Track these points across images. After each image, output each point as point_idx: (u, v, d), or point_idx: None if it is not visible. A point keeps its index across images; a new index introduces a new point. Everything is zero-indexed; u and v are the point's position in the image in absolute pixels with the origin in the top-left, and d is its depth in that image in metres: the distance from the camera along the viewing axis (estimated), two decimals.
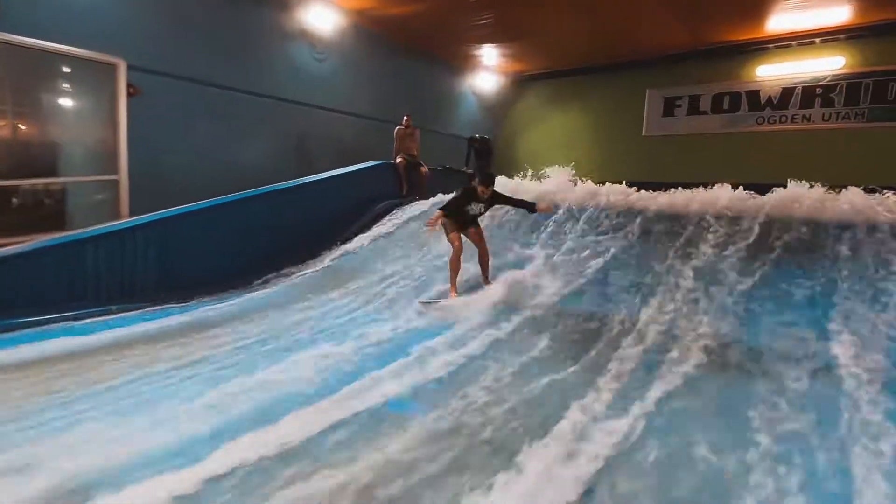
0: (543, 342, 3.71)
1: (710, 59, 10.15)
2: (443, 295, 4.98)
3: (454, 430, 2.64)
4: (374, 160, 8.46)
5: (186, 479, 2.22)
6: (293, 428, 2.64)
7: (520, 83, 13.00)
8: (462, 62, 11.85)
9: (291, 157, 8.58)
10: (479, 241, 5.13)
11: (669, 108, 10.92)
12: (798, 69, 9.34)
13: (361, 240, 7.07)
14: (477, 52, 11.21)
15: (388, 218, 7.53)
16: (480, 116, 12.73)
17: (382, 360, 3.58)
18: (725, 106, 10.23)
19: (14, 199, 6.75)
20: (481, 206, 5.07)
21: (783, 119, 9.61)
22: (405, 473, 2.27)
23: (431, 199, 7.54)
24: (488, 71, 12.34)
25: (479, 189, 4.92)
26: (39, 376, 3.39)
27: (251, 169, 7.77)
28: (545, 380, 3.12)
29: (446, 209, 4.99)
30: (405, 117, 8.72)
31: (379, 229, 7.26)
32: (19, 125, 8.30)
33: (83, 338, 4.20)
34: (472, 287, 5.01)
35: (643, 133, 11.23)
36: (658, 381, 2.98)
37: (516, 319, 4.12)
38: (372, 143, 9.37)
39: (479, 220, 5.20)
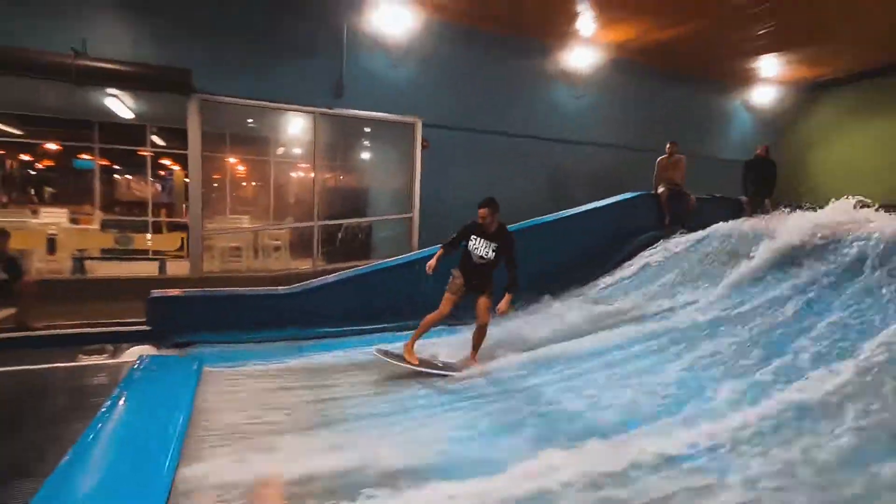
0: None
1: None
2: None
3: None
4: (633, 191, 8.14)
5: None
6: None
7: (809, 92, 10.88)
8: (733, 77, 10.59)
9: (547, 191, 8.96)
10: (480, 313, 4.29)
11: None
12: None
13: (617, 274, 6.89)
14: (752, 65, 9.88)
15: (649, 251, 7.13)
16: (756, 135, 11.08)
17: None
18: None
19: (339, 234, 8.77)
20: (489, 247, 4.22)
21: None
22: None
23: (699, 233, 6.84)
24: (767, 83, 10.72)
25: (480, 214, 4.17)
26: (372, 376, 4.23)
27: (511, 204, 8.36)
28: None
29: (461, 265, 4.35)
30: (668, 145, 8.18)
31: (639, 262, 6.95)
32: (345, 177, 10.80)
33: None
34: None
35: None
36: None
37: None
38: (632, 173, 9.09)
39: (488, 277, 4.29)
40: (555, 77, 9.02)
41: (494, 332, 4.73)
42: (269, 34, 6.96)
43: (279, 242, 8.40)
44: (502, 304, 4.23)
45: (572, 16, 7.95)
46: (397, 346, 4.41)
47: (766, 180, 8.15)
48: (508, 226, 6.81)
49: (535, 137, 8.87)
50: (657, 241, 7.28)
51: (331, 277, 5.96)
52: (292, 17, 7.01)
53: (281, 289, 5.62)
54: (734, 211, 8.29)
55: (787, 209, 5.82)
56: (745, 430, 2.72)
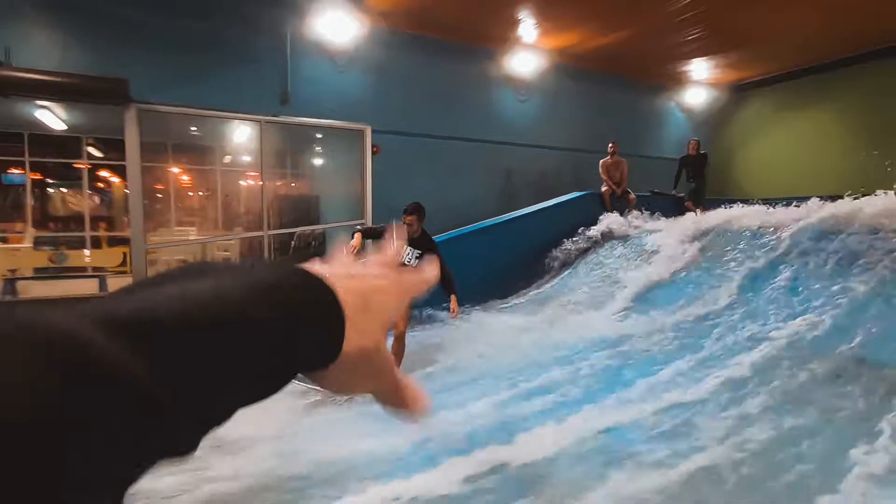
0: None
1: None
2: None
3: None
4: (581, 191, 8.47)
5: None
6: None
7: (738, 93, 11.62)
8: (668, 80, 11.18)
9: (497, 193, 9.17)
10: (402, 324, 4.19)
11: None
12: None
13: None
14: (685, 68, 10.46)
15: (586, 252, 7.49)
16: (690, 135, 11.72)
17: None
18: None
19: (293, 243, 8.65)
20: (413, 254, 4.09)
21: None
22: None
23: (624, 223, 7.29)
24: (699, 85, 11.37)
25: (407, 221, 4.04)
26: None
27: (463, 207, 8.54)
28: None
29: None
30: (610, 145, 8.57)
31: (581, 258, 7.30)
32: (295, 185, 10.65)
33: None
34: None
35: None
36: None
37: None
38: (578, 174, 9.46)
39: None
40: (501, 81, 9.25)
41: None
42: (211, 41, 6.81)
43: (229, 253, 8.20)
44: (453, 308, 4.27)
45: (514, 23, 8.20)
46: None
47: (699, 173, 8.71)
48: (459, 229, 6.96)
49: (484, 141, 9.07)
50: (597, 240, 7.63)
51: None
52: (234, 24, 6.88)
53: None
54: (675, 205, 8.78)
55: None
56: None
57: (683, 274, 5.37)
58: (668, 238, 6.23)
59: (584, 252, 7.50)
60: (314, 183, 10.20)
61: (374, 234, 4.29)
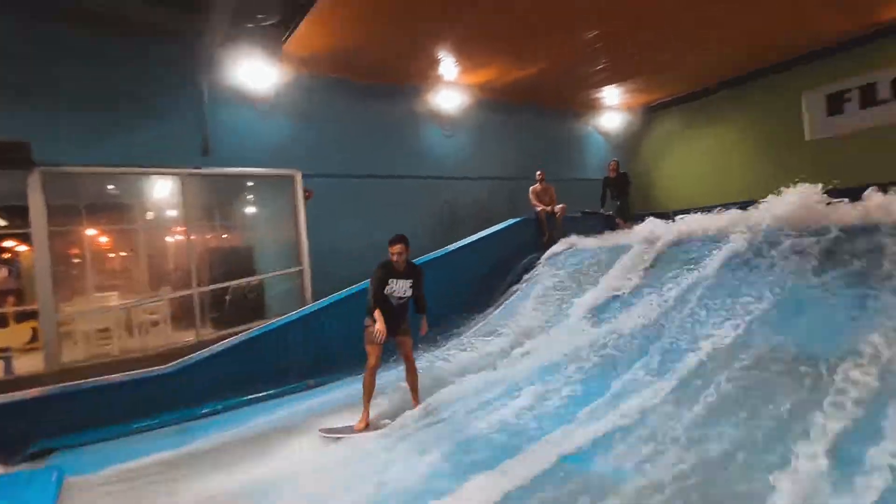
0: None
1: (877, 43, 8.79)
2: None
3: None
4: (515, 217, 8.69)
5: None
6: None
7: (648, 115, 12.53)
8: (585, 107, 11.88)
9: (436, 227, 9.23)
10: (408, 353, 4.33)
11: (836, 104, 9.55)
12: None
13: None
14: (599, 95, 11.18)
15: (528, 275, 7.64)
16: (611, 156, 12.44)
17: None
18: None
19: (226, 298, 8.24)
20: (406, 285, 4.26)
21: None
22: None
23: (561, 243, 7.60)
24: (613, 109, 12.16)
25: (393, 259, 4.18)
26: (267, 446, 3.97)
27: None
28: None
29: (371, 312, 4.15)
30: (538, 174, 8.92)
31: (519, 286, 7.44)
32: (224, 236, 10.23)
33: (292, 408, 4.87)
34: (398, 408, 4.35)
35: (807, 138, 9.93)
36: None
37: None
38: (513, 201, 9.73)
39: (405, 315, 4.31)
40: (427, 118, 9.46)
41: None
42: (124, 94, 6.51)
43: (156, 316, 7.67)
44: (423, 327, 4.41)
45: (435, 62, 8.47)
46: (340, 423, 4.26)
47: (623, 191, 9.23)
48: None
49: (416, 177, 9.18)
50: (536, 262, 7.81)
51: (216, 347, 5.56)
52: (145, 76, 6.63)
53: (156, 369, 5.12)
54: (605, 223, 9.19)
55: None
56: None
57: (625, 291, 5.47)
58: (604, 255, 6.49)
59: (525, 276, 7.62)
60: (246, 233, 9.85)
61: (381, 293, 4.27)
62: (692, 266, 4.95)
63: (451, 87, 9.36)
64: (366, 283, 6.67)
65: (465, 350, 6.01)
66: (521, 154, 10.67)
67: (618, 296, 5.38)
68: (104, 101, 6.40)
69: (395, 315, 4.25)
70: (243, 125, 7.45)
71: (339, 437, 4.01)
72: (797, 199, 4.56)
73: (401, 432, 3.94)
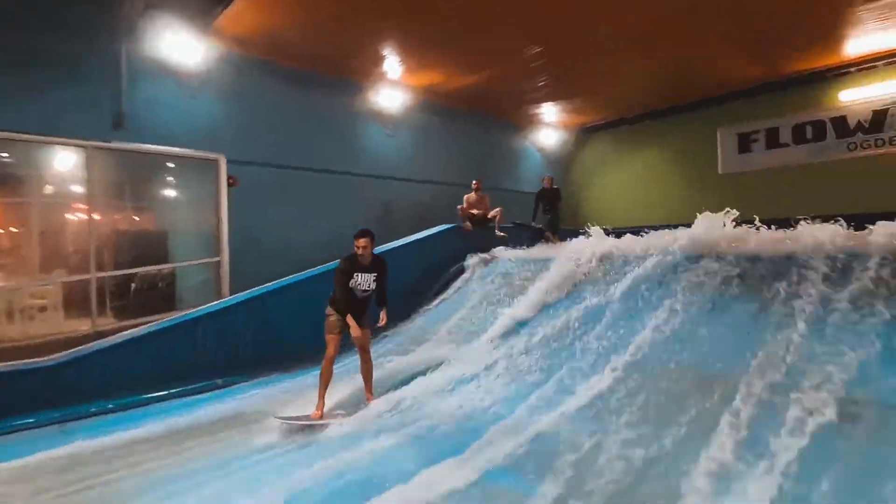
0: None
1: (784, 91, 9.75)
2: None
3: None
4: (449, 223, 8.69)
5: None
6: None
7: (583, 135, 13.10)
8: (525, 121, 12.20)
9: (369, 227, 9.01)
10: (365, 346, 4.40)
11: (745, 143, 10.49)
12: (890, 90, 8.72)
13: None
14: (538, 111, 11.52)
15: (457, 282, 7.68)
16: (546, 172, 12.85)
17: None
18: (809, 135, 9.66)
19: (133, 285, 7.56)
20: (370, 278, 4.34)
21: (879, 143, 8.90)
22: None
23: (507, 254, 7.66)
24: (550, 127, 12.57)
25: (358, 252, 4.24)
26: (169, 448, 3.64)
27: (331, 242, 8.22)
28: None
29: (333, 301, 4.31)
30: (474, 182, 8.98)
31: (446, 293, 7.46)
32: (136, 218, 9.41)
33: (197, 411, 4.52)
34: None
35: (720, 171, 10.79)
36: None
37: None
38: (452, 207, 9.71)
39: (368, 307, 4.41)
40: (368, 116, 9.26)
41: None
42: (24, 55, 5.80)
43: (45, 301, 6.87)
44: (383, 319, 4.50)
45: (379, 58, 8.31)
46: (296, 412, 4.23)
47: (554, 205, 9.53)
48: (324, 265, 6.66)
49: (352, 174, 8.93)
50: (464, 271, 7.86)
51: (113, 338, 5.07)
52: (53, 36, 5.95)
53: (38, 360, 4.57)
54: (535, 235, 9.42)
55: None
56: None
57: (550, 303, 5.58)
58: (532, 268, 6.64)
59: (454, 283, 7.64)
60: (161, 217, 9.11)
61: (346, 287, 4.30)
62: (607, 285, 5.16)
63: (394, 86, 9.24)
64: (286, 280, 6.46)
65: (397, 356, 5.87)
66: (462, 160, 10.74)
67: (526, 321, 5.45)
68: (5, 59, 5.66)
69: (358, 307, 4.32)
70: (165, 101, 6.90)
71: (298, 424, 3.98)
72: (708, 226, 4.91)
73: (359, 421, 4.02)
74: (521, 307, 5.65)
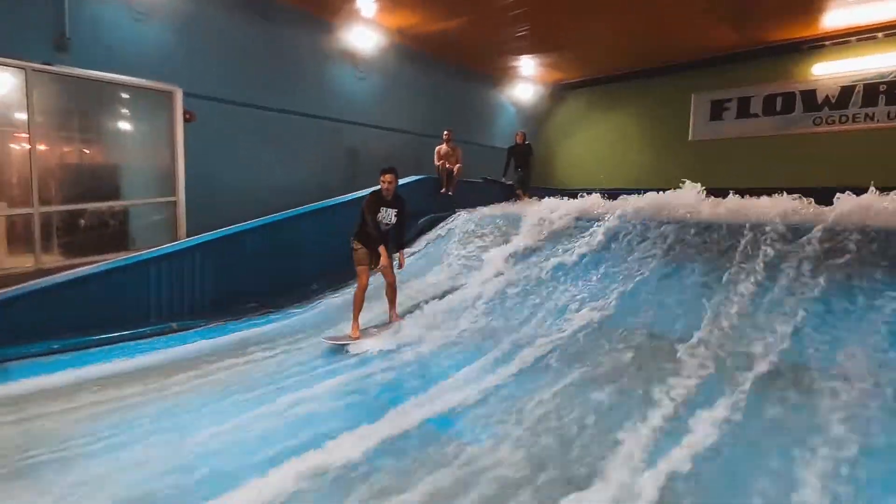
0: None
1: (759, 60, 9.76)
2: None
3: None
4: (420, 175, 8.53)
5: None
6: None
7: (559, 92, 12.88)
8: (500, 74, 11.86)
9: (338, 173, 8.77)
10: (390, 271, 4.82)
11: (717, 111, 10.55)
12: (859, 66, 8.84)
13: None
14: (515, 64, 11.19)
15: (432, 232, 7.62)
16: (519, 127, 12.67)
17: None
18: (778, 107, 9.79)
19: (81, 222, 7.17)
20: (392, 213, 4.75)
21: (843, 119, 9.11)
22: None
23: (477, 211, 7.58)
24: (527, 81, 12.28)
25: (382, 183, 4.63)
26: (111, 393, 3.56)
27: (296, 186, 7.98)
28: None
29: (359, 235, 4.76)
30: (445, 132, 8.77)
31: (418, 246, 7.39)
32: (85, 151, 8.83)
33: (148, 355, 4.42)
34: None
35: (689, 138, 10.88)
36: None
37: None
38: (415, 157, 9.48)
39: (389, 239, 4.80)
40: (338, 56, 8.77)
41: None
42: None
43: None
44: (402, 261, 5.08)
45: None
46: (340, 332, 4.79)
47: (526, 162, 9.45)
48: (275, 214, 6.50)
49: (320, 117, 8.53)
50: (439, 222, 7.80)
51: (59, 276, 4.83)
52: None
53: None
54: (505, 191, 9.38)
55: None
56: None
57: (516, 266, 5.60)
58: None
59: (424, 236, 7.58)
60: (112, 151, 8.56)
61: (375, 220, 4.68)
62: (574, 246, 5.21)
63: (367, 25, 8.73)
64: (247, 224, 6.26)
65: None
66: (433, 111, 10.43)
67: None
68: None
69: (382, 239, 4.68)
70: (114, 23, 6.32)
71: (344, 344, 4.48)
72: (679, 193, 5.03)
73: (393, 335, 4.65)
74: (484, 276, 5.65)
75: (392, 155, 9.60)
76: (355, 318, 4.63)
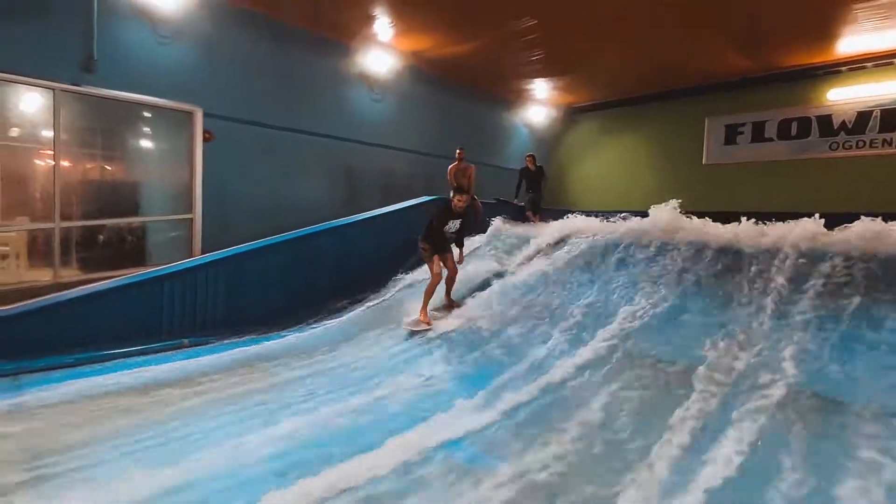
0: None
1: (774, 84, 9.75)
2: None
3: None
4: (431, 195, 8.58)
5: None
6: None
7: (571, 115, 12.96)
8: (514, 96, 12.00)
9: (345, 193, 8.87)
10: (451, 264, 5.71)
11: (731, 135, 10.52)
12: (876, 91, 8.78)
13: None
14: (528, 87, 11.32)
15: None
16: (533, 149, 12.75)
17: None
18: (794, 132, 9.73)
19: (100, 237, 7.32)
20: (457, 223, 5.56)
21: (860, 144, 9.01)
22: None
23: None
24: (540, 104, 12.40)
25: (455, 200, 5.44)
26: (126, 405, 3.57)
27: (309, 205, 8.08)
28: None
29: (426, 238, 5.49)
30: (458, 151, 8.84)
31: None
32: (107, 168, 9.05)
33: (159, 368, 4.44)
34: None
35: (703, 161, 10.83)
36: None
37: None
38: (429, 178, 9.59)
39: (451, 240, 5.61)
40: (354, 78, 8.97)
41: None
42: None
43: (7, 248, 6.61)
44: (460, 257, 5.89)
45: (369, 18, 7.99)
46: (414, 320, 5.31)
47: (536, 185, 9.46)
48: (305, 228, 6.60)
49: (332, 137, 8.68)
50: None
51: (75, 291, 4.92)
52: None
53: None
54: (516, 213, 9.39)
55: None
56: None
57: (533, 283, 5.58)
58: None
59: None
60: (133, 169, 8.78)
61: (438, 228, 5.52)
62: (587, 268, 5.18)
63: (383, 49, 8.93)
64: (260, 243, 6.34)
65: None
66: (446, 132, 10.54)
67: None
68: None
69: (446, 239, 5.60)
70: (140, 46, 6.54)
71: (423, 330, 5.12)
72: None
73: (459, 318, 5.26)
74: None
75: (402, 175, 9.73)
76: (425, 306, 5.28)
